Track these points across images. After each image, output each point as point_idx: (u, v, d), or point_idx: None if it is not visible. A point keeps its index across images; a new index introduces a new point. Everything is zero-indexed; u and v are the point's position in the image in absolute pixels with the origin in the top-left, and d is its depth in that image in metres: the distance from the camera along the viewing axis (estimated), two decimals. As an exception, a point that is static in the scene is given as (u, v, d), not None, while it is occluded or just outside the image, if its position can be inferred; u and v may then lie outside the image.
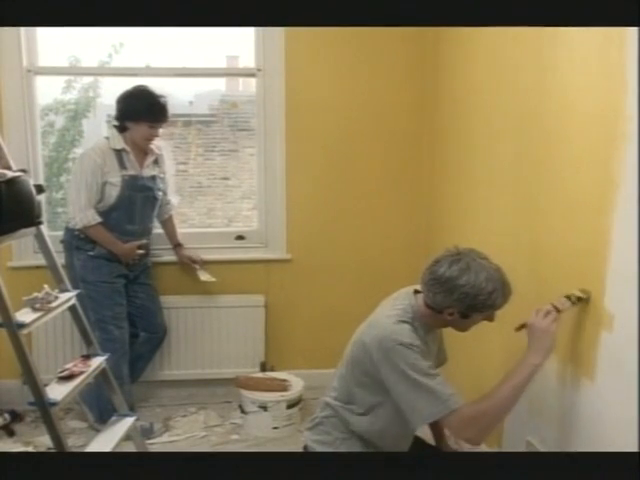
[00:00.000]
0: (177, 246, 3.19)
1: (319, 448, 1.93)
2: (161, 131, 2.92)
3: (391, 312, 1.82)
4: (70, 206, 2.86)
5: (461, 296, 1.72)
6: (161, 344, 3.14)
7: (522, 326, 1.82)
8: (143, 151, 2.94)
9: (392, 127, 3.22)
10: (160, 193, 3.02)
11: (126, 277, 2.97)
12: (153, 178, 2.98)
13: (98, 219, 2.83)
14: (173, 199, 3.18)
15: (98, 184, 2.82)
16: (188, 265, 3.17)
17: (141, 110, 2.84)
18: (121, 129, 2.88)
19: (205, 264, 3.17)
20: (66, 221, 2.97)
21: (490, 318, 1.82)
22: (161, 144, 3.07)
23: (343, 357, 1.94)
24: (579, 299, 1.79)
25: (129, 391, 2.90)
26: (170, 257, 3.19)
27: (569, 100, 1.90)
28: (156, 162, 3.03)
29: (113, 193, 2.85)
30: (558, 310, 1.76)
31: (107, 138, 2.89)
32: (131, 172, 2.89)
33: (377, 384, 1.80)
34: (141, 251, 2.96)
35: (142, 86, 2.88)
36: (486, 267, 1.74)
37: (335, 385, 1.95)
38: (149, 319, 3.08)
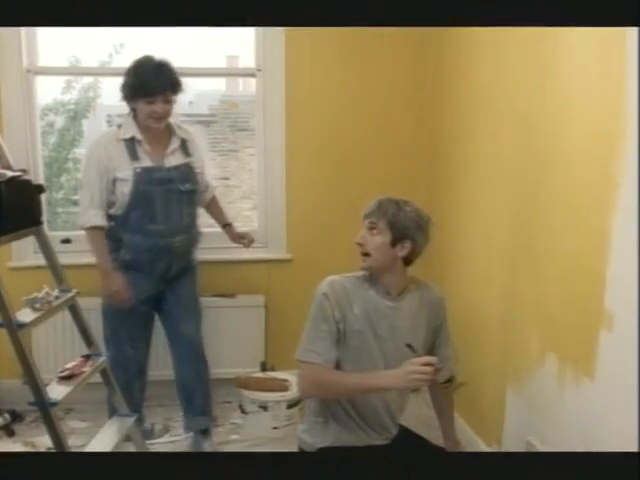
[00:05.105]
0: (226, 226, 2.92)
1: (305, 437, 1.99)
2: (166, 106, 2.52)
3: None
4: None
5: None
6: (191, 362, 2.80)
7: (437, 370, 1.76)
8: (162, 137, 2.58)
9: (392, 127, 3.22)
10: (188, 185, 2.63)
11: (157, 290, 2.68)
12: (177, 168, 2.60)
13: (100, 222, 2.53)
14: (211, 183, 2.87)
15: (104, 182, 2.51)
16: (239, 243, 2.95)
17: (133, 85, 2.49)
18: (134, 113, 2.56)
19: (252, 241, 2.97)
20: None
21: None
22: (190, 128, 2.78)
23: None
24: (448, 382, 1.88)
25: (140, 418, 2.73)
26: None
27: (569, 100, 1.91)
28: (185, 149, 2.66)
29: (125, 190, 2.51)
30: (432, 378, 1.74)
31: (119, 126, 2.58)
32: (145, 164, 2.53)
33: None
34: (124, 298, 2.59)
35: (139, 58, 2.53)
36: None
37: None
38: (171, 326, 2.78)
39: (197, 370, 2.80)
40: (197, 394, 2.80)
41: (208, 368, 2.85)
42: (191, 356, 2.79)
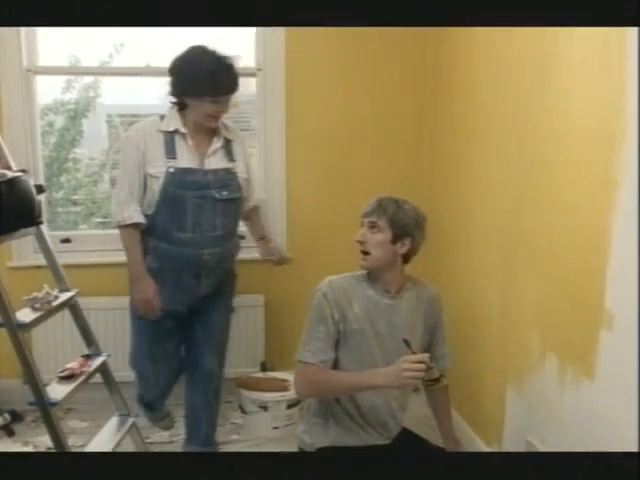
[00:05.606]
0: (260, 239, 2.73)
1: (305, 437, 2.00)
2: (226, 106, 2.34)
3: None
4: (112, 202, 2.40)
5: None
6: (203, 393, 2.61)
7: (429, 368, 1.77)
8: (206, 135, 2.37)
9: (392, 127, 3.22)
10: (225, 192, 2.36)
11: (185, 306, 2.47)
12: (215, 172, 2.35)
13: (141, 219, 2.31)
14: (253, 193, 2.60)
15: (141, 175, 2.29)
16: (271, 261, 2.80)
17: (201, 81, 2.24)
18: (180, 106, 2.34)
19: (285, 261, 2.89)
20: None
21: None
22: (230, 125, 2.50)
23: None
24: (435, 380, 1.84)
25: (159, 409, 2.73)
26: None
27: (569, 100, 1.91)
28: (228, 151, 2.41)
29: (155, 187, 2.29)
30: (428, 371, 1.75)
31: (162, 117, 2.36)
32: (181, 163, 2.30)
33: None
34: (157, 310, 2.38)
35: (199, 48, 2.30)
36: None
37: None
38: (192, 354, 2.57)
39: (209, 403, 2.62)
40: (203, 424, 2.62)
41: (220, 400, 2.69)
42: (206, 388, 2.61)
